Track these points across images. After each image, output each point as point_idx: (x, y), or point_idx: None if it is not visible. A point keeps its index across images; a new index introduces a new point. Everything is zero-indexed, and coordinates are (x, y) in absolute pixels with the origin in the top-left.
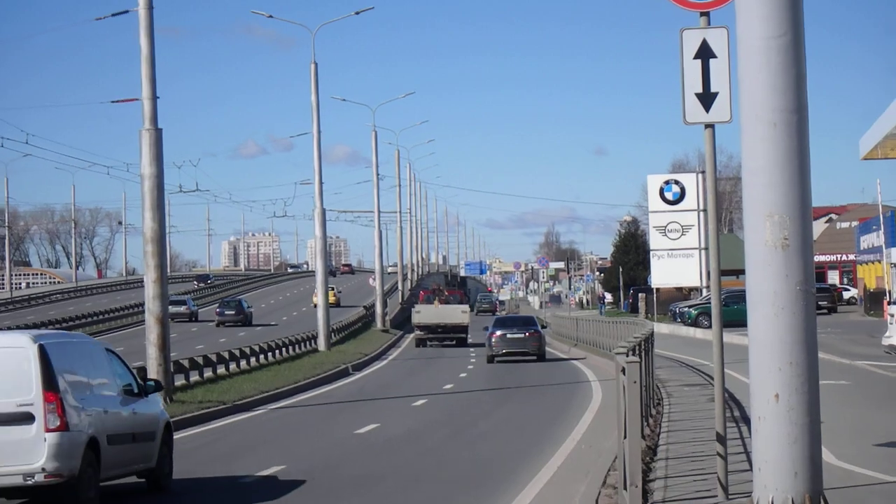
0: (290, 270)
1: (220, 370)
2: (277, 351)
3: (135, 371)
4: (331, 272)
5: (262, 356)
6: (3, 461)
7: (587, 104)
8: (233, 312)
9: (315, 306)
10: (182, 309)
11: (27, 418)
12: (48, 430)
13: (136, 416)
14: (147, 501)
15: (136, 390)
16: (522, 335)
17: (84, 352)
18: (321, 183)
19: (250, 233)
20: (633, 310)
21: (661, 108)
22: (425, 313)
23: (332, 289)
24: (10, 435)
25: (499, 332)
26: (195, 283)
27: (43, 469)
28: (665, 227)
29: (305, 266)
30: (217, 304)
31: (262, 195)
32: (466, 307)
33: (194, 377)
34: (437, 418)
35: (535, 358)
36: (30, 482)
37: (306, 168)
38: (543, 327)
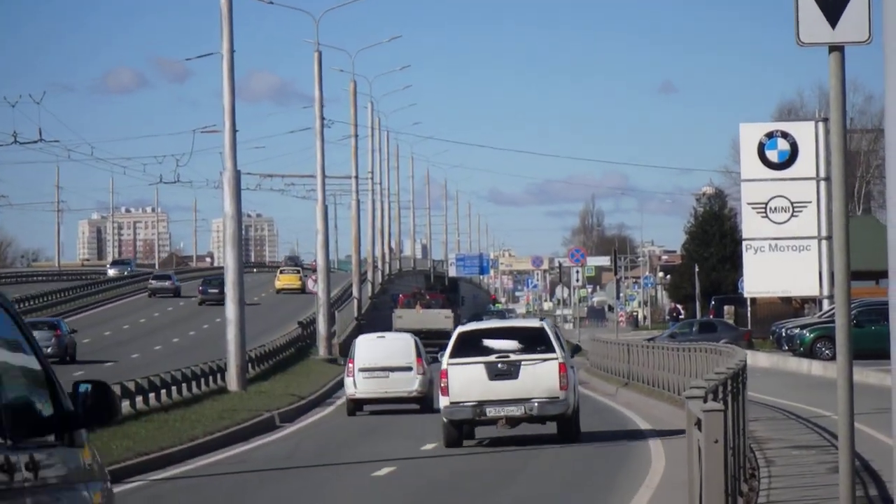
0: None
1: None
2: (164, 390)
3: None
4: (296, 266)
5: (139, 398)
6: (400, 387)
7: (648, 17)
8: (216, 291)
9: (279, 291)
10: (167, 284)
11: (409, 369)
12: (418, 374)
13: None
14: None
15: None
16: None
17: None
18: (234, 131)
19: (123, 208)
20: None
21: (763, 24)
22: (407, 318)
23: (298, 271)
24: (405, 380)
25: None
26: None
27: (417, 390)
28: (766, 204)
29: (210, 260)
30: (200, 281)
31: (141, 150)
32: (450, 311)
33: None
34: (410, 497)
35: None
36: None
37: (209, 109)
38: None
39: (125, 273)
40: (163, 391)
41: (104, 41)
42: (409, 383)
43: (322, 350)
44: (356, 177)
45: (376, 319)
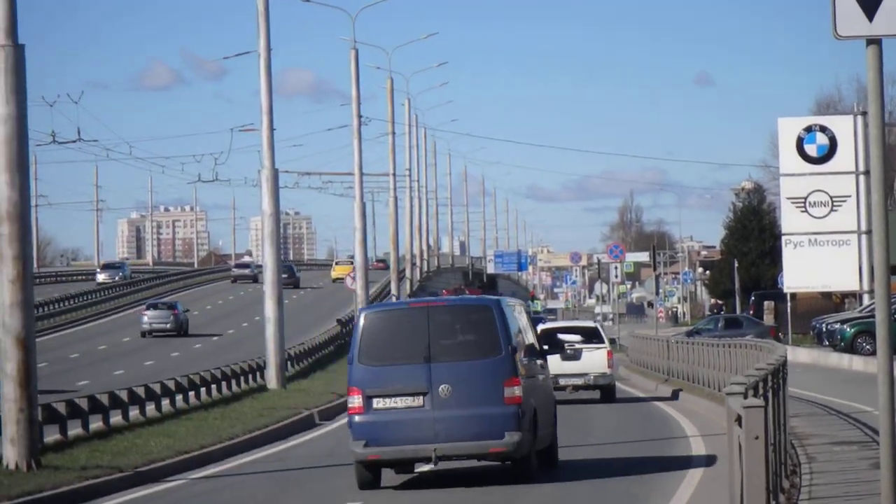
0: (100, 277)
1: (116, 418)
2: (203, 389)
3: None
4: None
5: (179, 396)
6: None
7: (684, 9)
8: (286, 276)
9: (335, 280)
10: (247, 272)
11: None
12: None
13: None
14: None
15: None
16: None
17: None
18: (272, 129)
19: (162, 207)
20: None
21: (800, 17)
22: None
23: (351, 263)
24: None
25: None
26: None
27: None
28: (805, 198)
29: (248, 257)
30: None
31: (179, 148)
32: None
33: (75, 430)
34: (449, 493)
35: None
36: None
37: (247, 107)
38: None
39: (116, 278)
40: (202, 389)
41: (139, 39)
42: None
43: None
44: (394, 174)
45: None
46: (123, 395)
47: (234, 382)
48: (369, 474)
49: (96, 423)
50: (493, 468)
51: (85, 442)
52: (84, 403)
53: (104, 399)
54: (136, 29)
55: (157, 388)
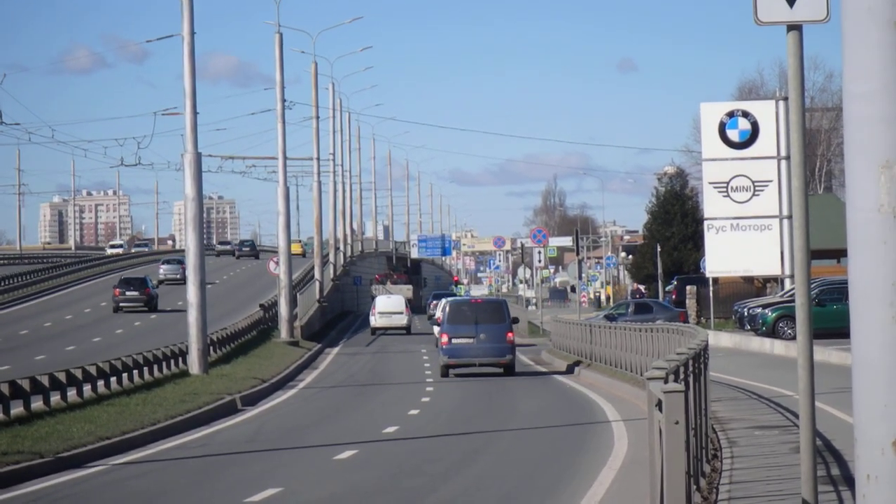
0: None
1: (37, 404)
2: (125, 374)
3: None
4: (298, 240)
5: (100, 382)
6: (397, 322)
7: None
8: (248, 249)
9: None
10: (246, 250)
11: (402, 313)
12: (406, 315)
13: None
14: None
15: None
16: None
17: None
18: (195, 113)
19: (84, 191)
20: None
21: (723, 1)
22: (381, 290)
23: (299, 241)
24: (401, 318)
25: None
26: None
27: (405, 324)
28: (727, 183)
29: (171, 242)
30: (238, 243)
31: (102, 132)
32: (410, 286)
33: None
34: (372, 480)
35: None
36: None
37: (170, 90)
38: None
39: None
40: (124, 375)
41: (61, 21)
42: (402, 320)
43: (284, 333)
44: (318, 158)
45: (338, 301)
46: (45, 380)
47: (156, 368)
48: (446, 370)
49: (17, 409)
50: (495, 373)
51: (5, 427)
52: (5, 388)
53: (25, 384)
54: (57, 11)
55: (78, 373)
